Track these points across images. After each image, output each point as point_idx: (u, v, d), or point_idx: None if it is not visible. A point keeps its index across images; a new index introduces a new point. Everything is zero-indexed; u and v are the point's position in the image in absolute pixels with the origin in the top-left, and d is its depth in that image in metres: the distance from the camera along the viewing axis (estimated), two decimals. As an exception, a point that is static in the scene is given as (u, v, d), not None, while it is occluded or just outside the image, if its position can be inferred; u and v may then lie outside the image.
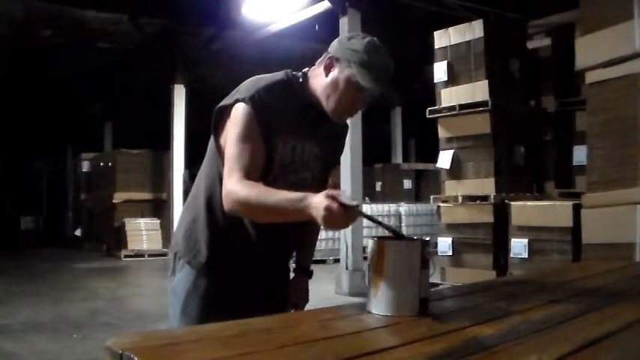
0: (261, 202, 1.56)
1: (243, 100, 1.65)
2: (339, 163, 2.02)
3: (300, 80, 1.77)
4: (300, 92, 1.75)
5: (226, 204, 1.62)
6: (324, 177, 1.91)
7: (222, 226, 1.75)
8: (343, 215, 1.40)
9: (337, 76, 1.69)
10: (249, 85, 1.70)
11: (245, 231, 1.75)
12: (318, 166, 1.83)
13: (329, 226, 1.43)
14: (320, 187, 1.86)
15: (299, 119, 1.74)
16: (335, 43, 1.73)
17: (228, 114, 1.69)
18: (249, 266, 1.78)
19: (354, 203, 1.41)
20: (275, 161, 1.70)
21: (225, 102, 1.70)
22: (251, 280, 1.80)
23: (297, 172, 1.76)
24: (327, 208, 1.39)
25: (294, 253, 2.00)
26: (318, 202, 1.42)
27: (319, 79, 1.73)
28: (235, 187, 1.59)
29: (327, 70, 1.71)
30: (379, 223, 1.56)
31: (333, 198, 1.40)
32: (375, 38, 1.72)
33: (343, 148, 2.01)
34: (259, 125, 1.65)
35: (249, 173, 1.61)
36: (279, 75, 1.76)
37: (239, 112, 1.66)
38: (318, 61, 1.76)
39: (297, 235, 1.91)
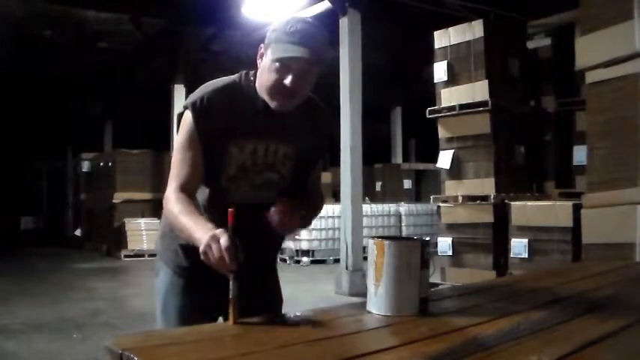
0: (175, 222, 1.62)
1: (187, 107, 1.68)
2: (325, 161, 1.97)
3: (252, 79, 1.72)
4: (254, 92, 1.69)
5: (164, 209, 1.70)
6: (300, 176, 1.84)
7: None
8: (220, 256, 1.41)
9: (264, 62, 1.64)
10: (198, 90, 1.71)
11: None
12: (289, 166, 1.78)
13: (207, 262, 1.45)
14: (295, 188, 1.83)
15: (257, 120, 1.69)
16: None
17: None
18: None
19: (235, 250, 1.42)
20: (230, 165, 1.70)
21: (180, 109, 1.73)
22: (227, 280, 1.77)
23: (262, 173, 1.74)
24: (207, 245, 1.43)
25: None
26: (203, 239, 1.45)
27: (258, 72, 1.69)
28: (170, 196, 1.65)
29: (260, 60, 1.66)
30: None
31: (215, 239, 1.42)
32: (304, 17, 1.66)
33: (326, 143, 1.92)
34: (200, 131, 1.66)
35: (187, 182, 1.67)
36: (230, 77, 1.74)
37: (184, 119, 1.69)
38: None
39: (271, 239, 1.89)
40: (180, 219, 1.58)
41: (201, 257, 1.44)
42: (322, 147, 1.91)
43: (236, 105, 1.68)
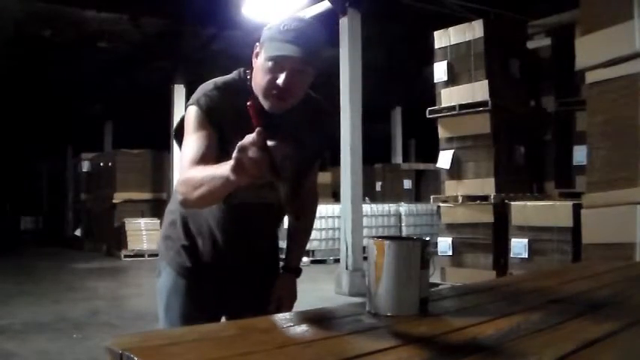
0: (197, 178, 1.45)
1: (192, 104, 1.64)
2: (326, 161, 1.98)
3: (248, 77, 1.69)
4: (250, 90, 1.66)
5: (178, 194, 1.58)
6: (302, 176, 1.81)
7: (194, 230, 1.80)
8: (256, 159, 1.23)
9: (258, 62, 1.61)
10: (199, 89, 1.68)
11: (213, 236, 1.78)
12: (289, 166, 1.78)
13: (241, 166, 1.26)
14: (297, 188, 1.81)
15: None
16: None
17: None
18: (225, 267, 1.80)
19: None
20: None
21: (183, 112, 1.69)
22: (229, 280, 1.81)
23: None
24: (239, 153, 1.25)
25: (285, 252, 2.01)
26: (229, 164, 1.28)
27: (253, 72, 1.66)
28: (180, 177, 1.55)
29: (255, 59, 1.64)
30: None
31: (244, 144, 1.24)
32: (301, 16, 1.63)
33: (328, 141, 1.92)
34: (210, 124, 1.60)
35: (201, 159, 1.52)
36: (230, 76, 1.72)
37: (189, 114, 1.64)
38: None
39: (269, 239, 1.92)
40: (201, 173, 1.43)
41: (234, 174, 1.28)
42: (323, 148, 1.90)
43: (236, 103, 1.64)
